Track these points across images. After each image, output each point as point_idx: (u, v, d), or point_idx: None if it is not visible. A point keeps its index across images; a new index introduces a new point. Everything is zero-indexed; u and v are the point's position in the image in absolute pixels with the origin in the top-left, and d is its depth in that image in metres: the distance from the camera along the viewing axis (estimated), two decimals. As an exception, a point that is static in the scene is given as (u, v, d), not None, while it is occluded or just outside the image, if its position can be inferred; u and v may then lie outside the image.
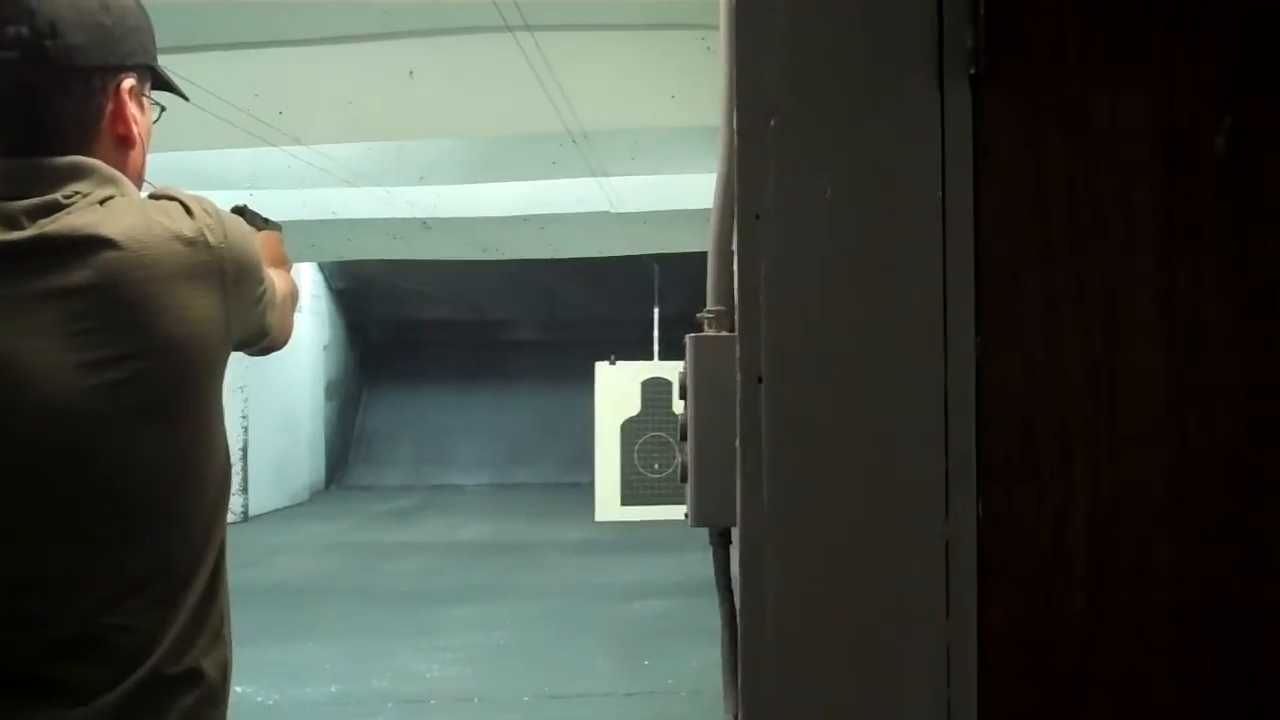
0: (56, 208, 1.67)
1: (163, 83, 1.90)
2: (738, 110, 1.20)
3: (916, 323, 1.16)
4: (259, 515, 16.59)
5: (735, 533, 1.43)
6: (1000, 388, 1.16)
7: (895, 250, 1.16)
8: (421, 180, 10.00)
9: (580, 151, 8.34)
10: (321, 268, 19.25)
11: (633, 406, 9.86)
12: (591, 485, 10.13)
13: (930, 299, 1.16)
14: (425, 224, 11.82)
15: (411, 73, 6.95)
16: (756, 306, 1.18)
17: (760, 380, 1.18)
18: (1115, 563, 1.15)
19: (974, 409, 1.15)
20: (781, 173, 1.17)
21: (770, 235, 1.17)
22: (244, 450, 16.39)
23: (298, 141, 7.64)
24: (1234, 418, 1.14)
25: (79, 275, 1.64)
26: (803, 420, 1.17)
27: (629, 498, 9.69)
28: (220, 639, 1.82)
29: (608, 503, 9.78)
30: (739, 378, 1.19)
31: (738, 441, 1.20)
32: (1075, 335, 1.15)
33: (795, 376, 1.17)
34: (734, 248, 1.34)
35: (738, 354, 1.20)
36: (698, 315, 1.52)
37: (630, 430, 9.83)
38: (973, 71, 1.15)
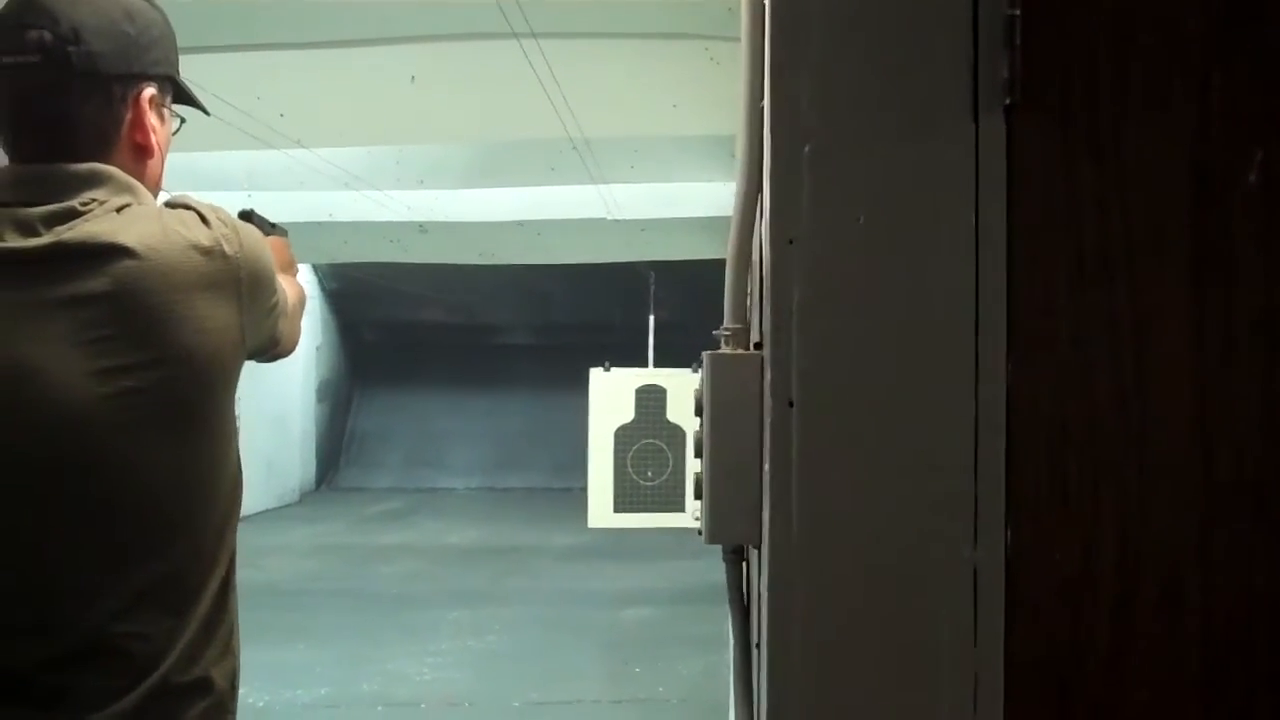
0: (73, 215, 1.65)
1: (184, 95, 1.89)
2: (771, 135, 1.20)
3: (948, 350, 1.16)
4: (249, 516, 16.53)
5: (755, 553, 1.43)
6: (1031, 415, 1.16)
7: (928, 277, 1.17)
8: (421, 184, 9.99)
9: (580, 158, 8.34)
10: (315, 269, 19.21)
11: (626, 413, 9.83)
12: (583, 491, 10.11)
13: (963, 326, 1.16)
14: (422, 228, 11.80)
15: (414, 78, 6.95)
16: (789, 331, 1.18)
17: (791, 405, 1.18)
18: (1143, 592, 1.15)
19: (1004, 436, 1.16)
20: (815, 198, 1.18)
21: (803, 260, 1.18)
22: (238, 453, 16.31)
23: (299, 144, 7.62)
24: (1263, 449, 1.15)
25: (95, 283, 1.62)
26: (833, 445, 1.18)
27: (622, 505, 9.65)
28: (230, 649, 1.82)
29: (600, 509, 9.74)
30: (769, 402, 1.19)
31: (766, 465, 1.20)
32: (1106, 364, 1.16)
33: (826, 401, 1.17)
34: (760, 269, 1.34)
35: (768, 378, 1.20)
36: (714, 332, 1.53)
37: (624, 437, 9.79)
38: (1008, 101, 1.16)
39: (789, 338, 1.18)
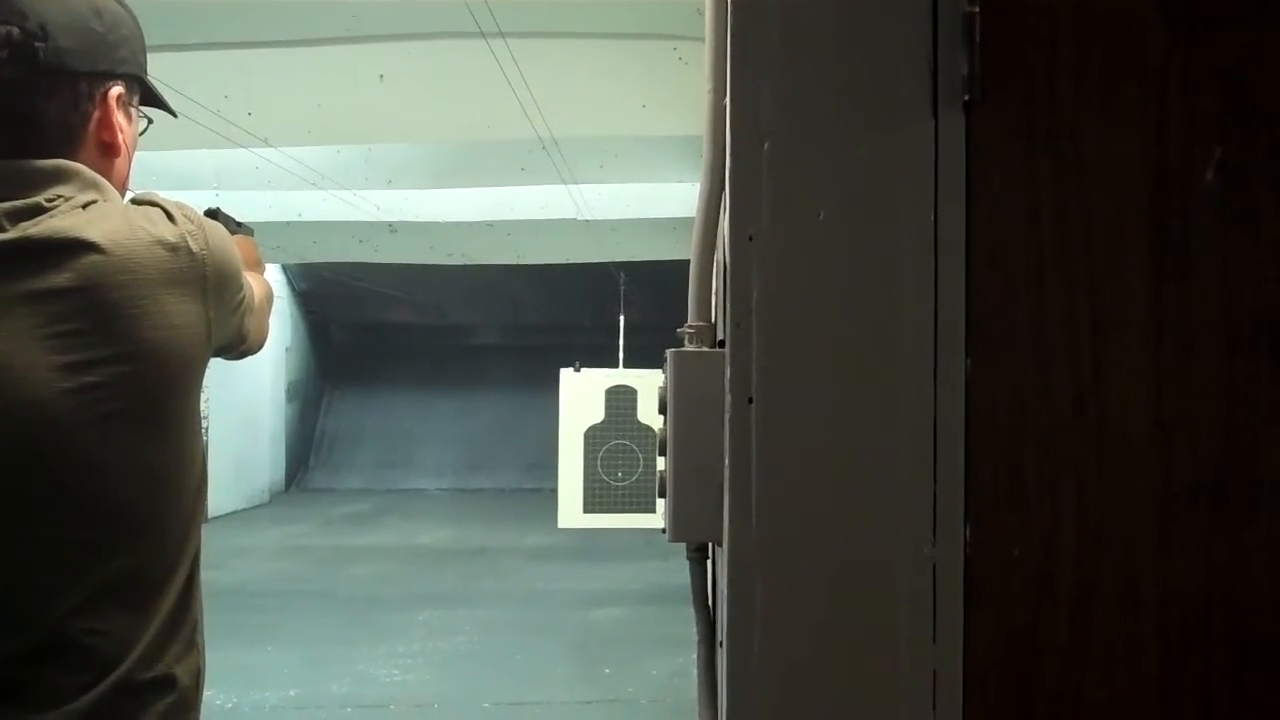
0: (38, 211, 1.65)
1: (151, 96, 1.89)
2: (731, 132, 1.20)
3: (907, 347, 1.17)
4: (218, 517, 16.47)
5: (718, 551, 1.43)
6: (989, 413, 1.16)
7: (887, 275, 1.17)
8: (390, 184, 9.98)
9: (550, 158, 8.34)
10: (285, 269, 19.14)
11: (596, 414, 9.85)
12: (553, 491, 10.12)
13: (921, 324, 1.16)
14: (391, 227, 11.80)
15: (382, 76, 6.94)
16: (748, 328, 1.18)
17: (750, 401, 1.18)
18: (1101, 588, 1.16)
19: (963, 434, 1.16)
20: (775, 195, 1.18)
21: (763, 257, 1.18)
22: (204, 450, 16.25)
23: (266, 143, 7.60)
24: (1219, 446, 1.15)
25: (60, 278, 1.62)
26: (792, 442, 1.17)
27: (592, 505, 9.68)
28: (194, 646, 1.81)
29: (570, 510, 9.76)
30: (729, 399, 1.19)
31: (726, 462, 1.20)
32: (1064, 363, 1.16)
33: (786, 399, 1.17)
34: (723, 266, 1.34)
35: (727, 375, 1.20)
36: (678, 330, 1.52)
37: (594, 438, 9.82)
38: (967, 98, 1.16)
39: (748, 334, 1.18)
